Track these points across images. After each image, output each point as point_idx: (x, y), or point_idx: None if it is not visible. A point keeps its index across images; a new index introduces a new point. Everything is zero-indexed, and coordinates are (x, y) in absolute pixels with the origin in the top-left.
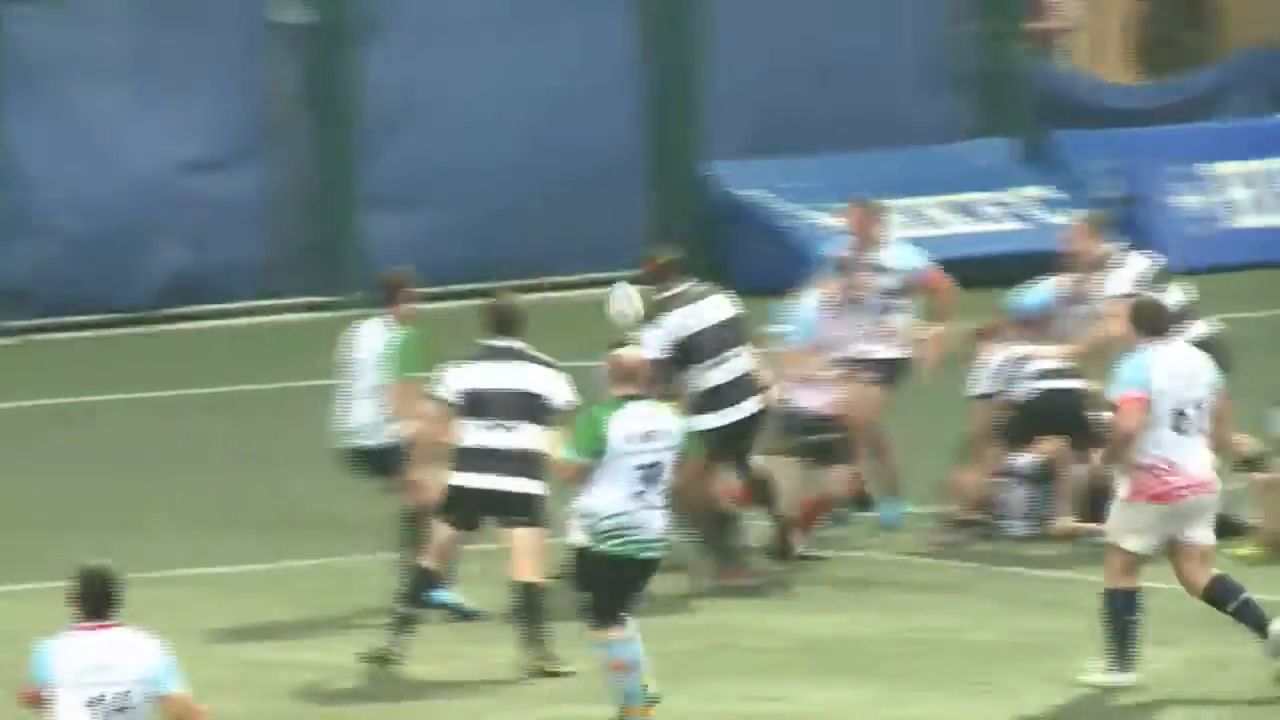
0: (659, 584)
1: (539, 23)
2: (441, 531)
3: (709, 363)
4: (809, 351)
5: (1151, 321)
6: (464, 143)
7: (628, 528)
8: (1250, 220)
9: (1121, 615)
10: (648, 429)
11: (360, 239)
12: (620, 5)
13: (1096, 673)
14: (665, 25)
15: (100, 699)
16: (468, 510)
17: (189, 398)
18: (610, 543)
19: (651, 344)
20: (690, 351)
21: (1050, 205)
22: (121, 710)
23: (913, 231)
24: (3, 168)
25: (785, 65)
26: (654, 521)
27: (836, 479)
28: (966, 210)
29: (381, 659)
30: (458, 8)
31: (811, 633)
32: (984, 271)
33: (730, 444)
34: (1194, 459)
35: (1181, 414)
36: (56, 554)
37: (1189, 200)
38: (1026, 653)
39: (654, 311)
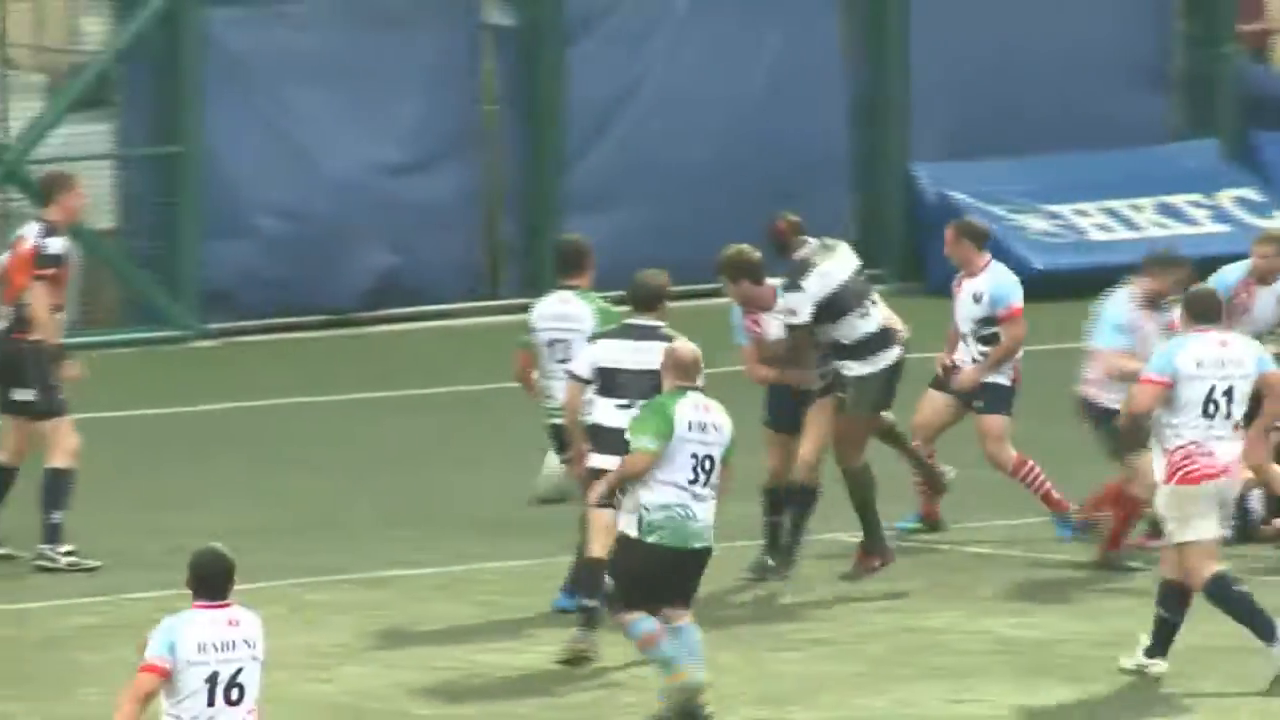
0: (848, 588)
1: (743, 25)
2: (599, 517)
3: (855, 313)
4: (1123, 352)
5: (1199, 310)
6: (668, 143)
7: (680, 519)
8: None
9: (1233, 600)
10: (705, 420)
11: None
12: (826, 5)
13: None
14: (871, 25)
15: (217, 675)
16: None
17: (391, 399)
18: (658, 534)
19: (799, 308)
20: (835, 306)
21: (1254, 208)
22: (237, 685)
23: (1115, 235)
24: (208, 170)
25: (991, 66)
26: (704, 513)
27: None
28: (1172, 212)
29: (577, 658)
30: (662, 9)
31: (1009, 635)
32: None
33: (882, 393)
34: (1221, 447)
35: (1211, 401)
36: (262, 557)
37: None
38: (1221, 656)
39: (793, 275)
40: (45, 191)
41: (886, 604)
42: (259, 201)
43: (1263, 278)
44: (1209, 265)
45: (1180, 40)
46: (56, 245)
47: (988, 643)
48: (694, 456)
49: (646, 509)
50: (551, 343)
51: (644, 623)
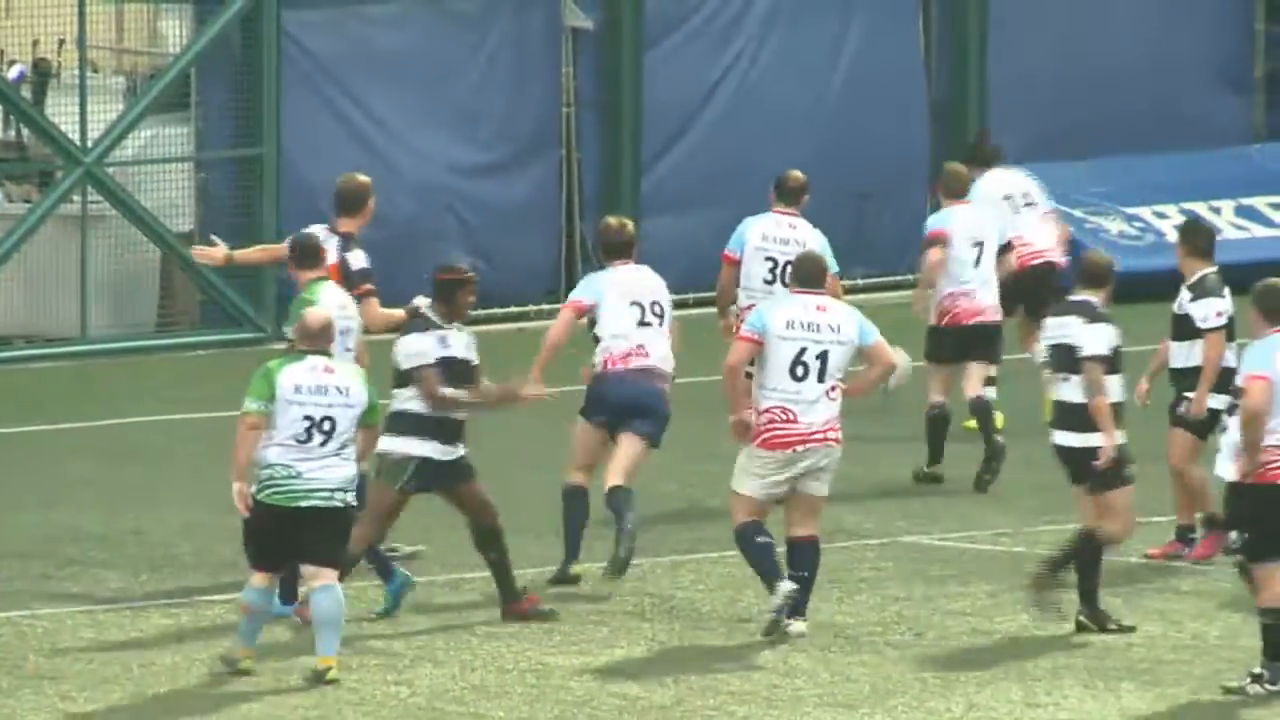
0: (924, 589)
1: (823, 27)
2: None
3: None
4: None
5: (804, 275)
6: (746, 146)
7: (284, 478)
8: None
9: (752, 549)
10: (324, 383)
11: (646, 242)
12: (907, 7)
13: None
14: (952, 27)
15: (313, 419)
16: None
17: None
18: (266, 492)
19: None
20: None
21: None
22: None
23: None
24: (286, 173)
25: (1070, 69)
26: (317, 472)
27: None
28: (1252, 214)
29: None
30: (742, 10)
31: (1082, 638)
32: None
33: None
34: (807, 411)
35: (800, 363)
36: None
37: None
38: None
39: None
40: (345, 202)
41: (960, 607)
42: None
43: None
44: None
45: (1262, 41)
46: (361, 259)
47: (1062, 646)
48: (308, 419)
49: (259, 467)
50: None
51: (248, 592)
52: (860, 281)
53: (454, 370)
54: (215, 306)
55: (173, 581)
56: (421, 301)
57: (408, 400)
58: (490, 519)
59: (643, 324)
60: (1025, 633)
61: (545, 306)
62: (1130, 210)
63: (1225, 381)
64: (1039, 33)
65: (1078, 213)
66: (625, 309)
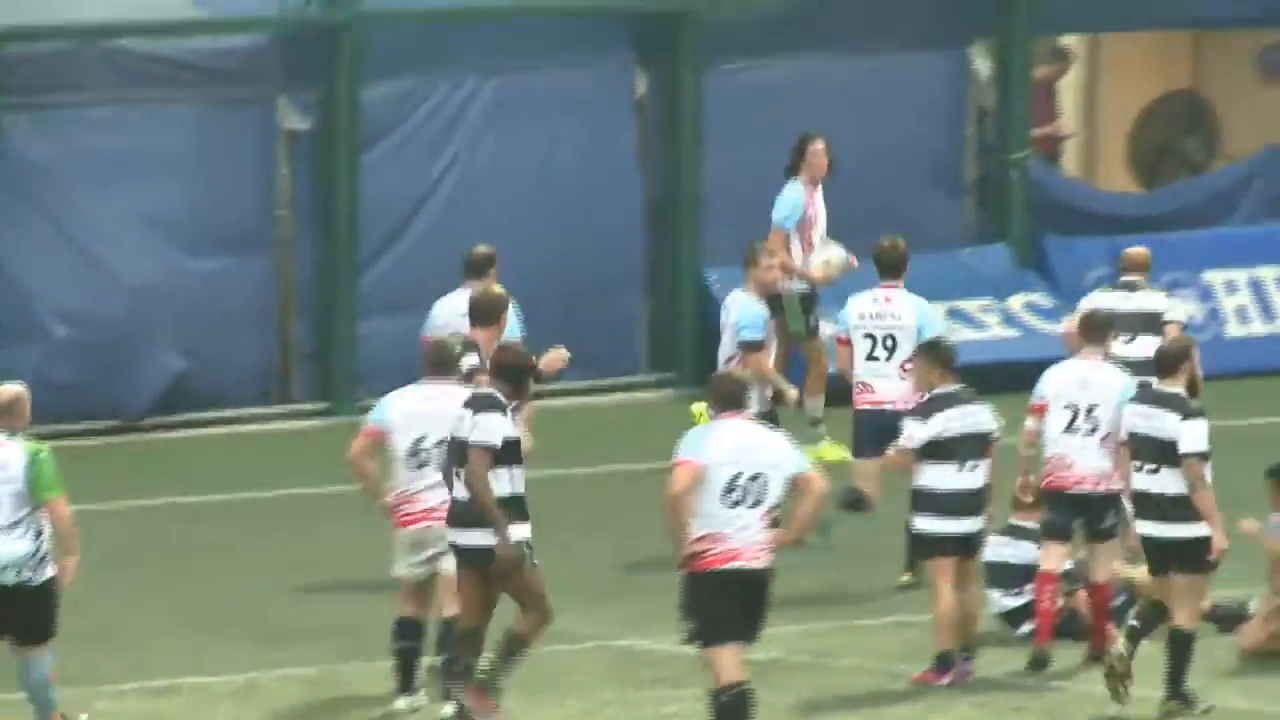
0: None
1: (537, 132)
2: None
3: None
4: None
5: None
6: (462, 248)
7: None
8: (1244, 329)
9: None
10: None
11: (358, 345)
12: (621, 111)
13: None
14: (665, 130)
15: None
16: None
17: (181, 506)
18: None
19: None
20: None
21: (1044, 313)
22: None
23: None
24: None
25: (780, 169)
26: (6, 549)
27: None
28: (963, 317)
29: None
30: (457, 114)
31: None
32: (978, 381)
33: None
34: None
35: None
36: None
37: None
38: None
39: None
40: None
41: (671, 711)
42: (49, 306)
43: None
44: (998, 371)
45: (973, 145)
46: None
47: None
48: None
49: None
50: None
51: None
52: (575, 385)
53: (515, 448)
54: None
55: None
56: (481, 380)
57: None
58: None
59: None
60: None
61: (259, 410)
62: (843, 311)
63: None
64: (753, 134)
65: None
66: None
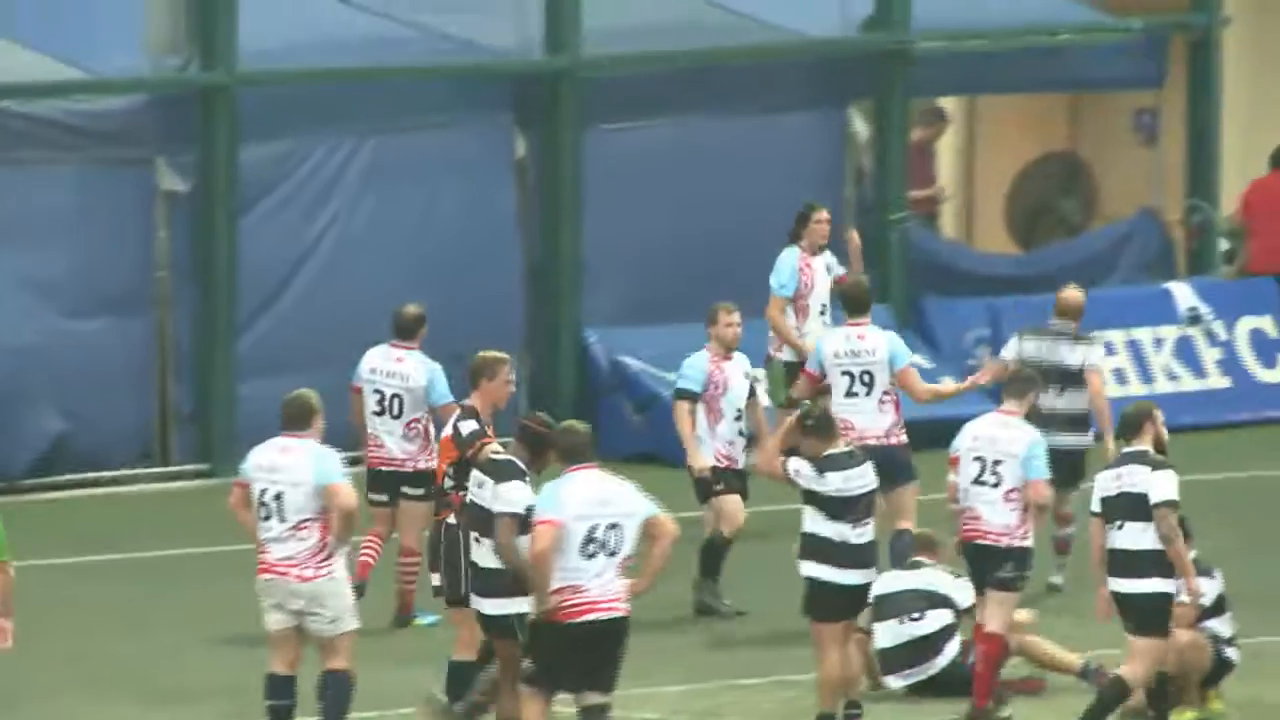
0: None
1: (416, 194)
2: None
3: None
4: None
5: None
6: (342, 309)
7: None
8: (1122, 390)
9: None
10: None
11: (237, 406)
12: (501, 173)
13: None
14: (545, 192)
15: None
16: None
17: (60, 567)
18: None
19: None
20: None
21: (926, 374)
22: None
23: None
24: None
25: (666, 233)
26: None
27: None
28: None
29: None
30: (335, 176)
31: None
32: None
33: None
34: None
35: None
36: None
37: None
38: None
39: None
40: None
41: None
42: None
43: None
44: None
45: (851, 208)
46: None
47: None
48: None
49: None
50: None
51: None
52: None
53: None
54: None
55: None
56: (498, 447)
57: None
58: None
59: None
60: None
61: (140, 471)
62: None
63: None
64: (635, 197)
65: (671, 376)
66: None
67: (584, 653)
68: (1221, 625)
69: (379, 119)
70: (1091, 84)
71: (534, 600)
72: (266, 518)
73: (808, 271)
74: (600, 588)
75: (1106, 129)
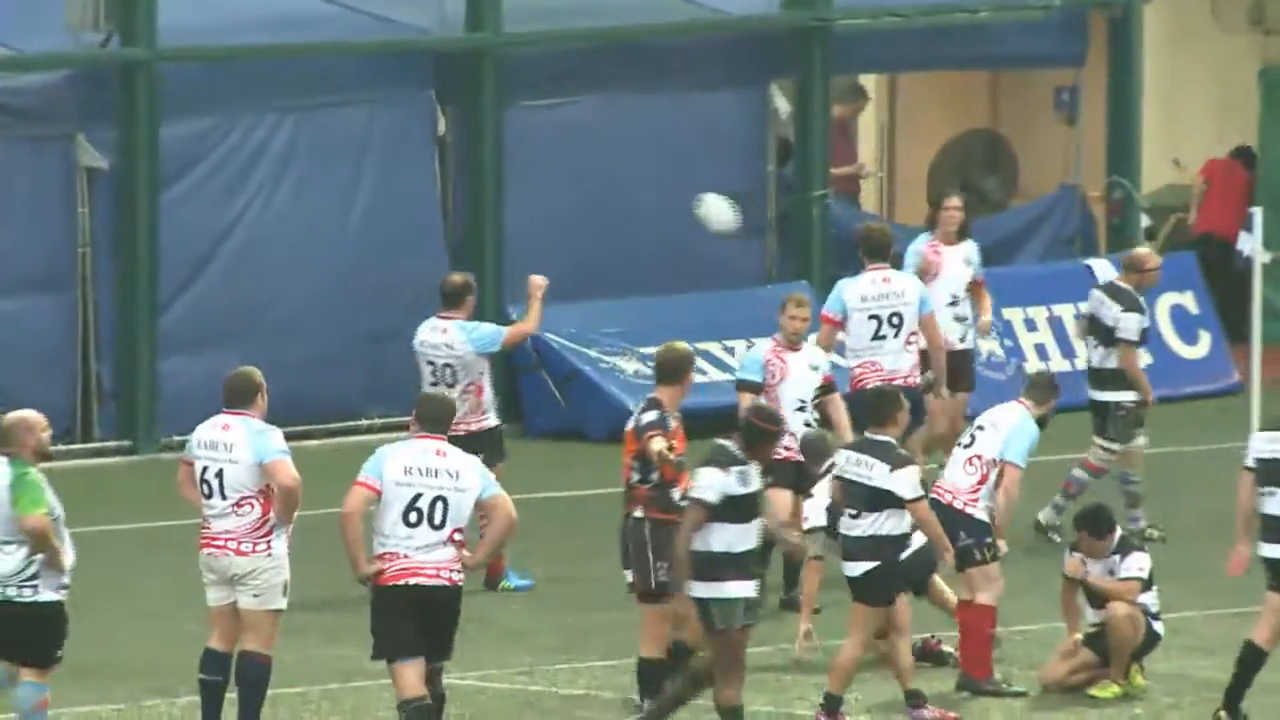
0: None
1: (338, 169)
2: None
3: None
4: None
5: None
6: (265, 285)
7: None
8: (1043, 366)
9: None
10: None
11: (160, 382)
12: (423, 150)
13: None
14: (469, 168)
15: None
16: None
17: None
18: None
19: None
20: None
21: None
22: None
23: (707, 377)
24: None
25: (590, 209)
26: None
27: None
28: None
29: None
30: (257, 152)
31: None
32: None
33: None
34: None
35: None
36: None
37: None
38: None
39: None
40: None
41: None
42: None
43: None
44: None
45: (774, 183)
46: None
47: None
48: None
49: None
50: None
51: None
52: (378, 421)
53: (744, 505)
54: None
55: None
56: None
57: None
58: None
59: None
60: None
61: (61, 447)
62: (645, 350)
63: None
64: (556, 172)
65: (593, 352)
66: None
67: (411, 618)
68: (1150, 599)
69: (301, 96)
70: (1012, 61)
71: (350, 564)
72: (209, 495)
73: (936, 259)
74: (423, 555)
75: (1027, 106)
